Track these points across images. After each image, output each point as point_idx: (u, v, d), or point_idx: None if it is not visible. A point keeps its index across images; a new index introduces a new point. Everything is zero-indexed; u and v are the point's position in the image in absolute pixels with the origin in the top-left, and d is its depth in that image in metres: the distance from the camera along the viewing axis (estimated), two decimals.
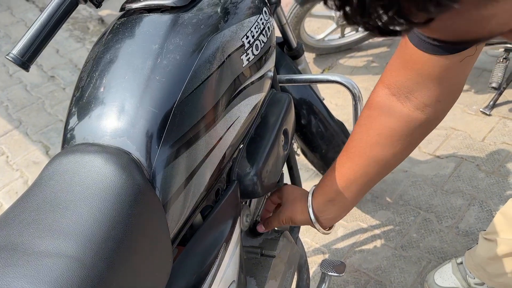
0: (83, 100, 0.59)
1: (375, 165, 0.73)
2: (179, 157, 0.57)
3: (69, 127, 0.59)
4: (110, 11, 2.95)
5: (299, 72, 1.21)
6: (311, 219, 0.80)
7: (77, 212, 0.47)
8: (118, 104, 0.56)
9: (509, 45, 1.75)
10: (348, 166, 0.74)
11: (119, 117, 0.55)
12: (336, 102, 2.03)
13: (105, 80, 0.59)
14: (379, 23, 0.28)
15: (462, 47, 0.57)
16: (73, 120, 0.58)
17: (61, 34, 2.80)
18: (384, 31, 0.29)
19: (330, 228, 0.85)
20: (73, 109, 0.59)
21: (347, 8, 0.28)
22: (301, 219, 0.81)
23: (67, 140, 0.58)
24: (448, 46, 0.58)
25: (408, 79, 0.65)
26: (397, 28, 0.28)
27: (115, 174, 0.50)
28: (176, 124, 0.57)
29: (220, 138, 0.64)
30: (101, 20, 2.95)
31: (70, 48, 2.72)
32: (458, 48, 0.58)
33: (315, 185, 0.82)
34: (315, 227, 0.81)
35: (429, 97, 0.66)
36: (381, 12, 0.26)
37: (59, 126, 2.19)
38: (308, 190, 0.84)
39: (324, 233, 0.84)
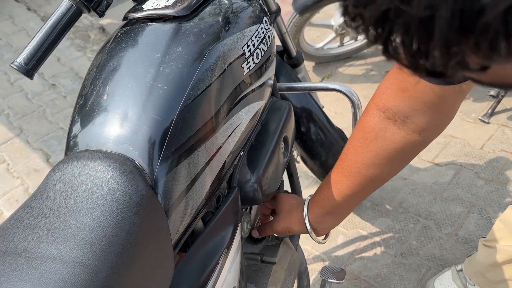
0: (86, 108, 0.60)
1: (371, 182, 0.74)
2: (181, 164, 0.58)
3: (72, 134, 0.59)
4: (111, 20, 2.97)
5: (299, 80, 1.22)
6: (307, 230, 0.81)
7: (80, 218, 0.47)
8: (121, 111, 0.57)
9: None
10: (345, 183, 0.75)
11: (122, 124, 0.56)
12: (336, 110, 2.04)
13: (108, 88, 0.60)
14: (429, 65, 0.27)
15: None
16: (77, 127, 0.59)
17: (63, 43, 2.82)
18: (432, 73, 0.29)
19: (326, 236, 0.87)
20: (77, 117, 0.60)
21: (402, 50, 0.27)
22: (299, 229, 0.83)
23: (71, 147, 0.59)
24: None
25: (406, 105, 0.65)
26: (448, 73, 0.28)
27: (118, 180, 0.51)
28: (178, 131, 0.57)
29: (221, 145, 0.65)
30: (102, 29, 2.97)
31: (71, 57, 2.74)
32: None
33: (310, 195, 0.83)
34: (311, 236, 0.83)
35: (427, 123, 0.66)
36: (441, 58, 0.26)
37: (60, 134, 2.20)
38: (303, 198, 0.85)
39: (319, 242, 0.86)
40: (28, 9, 3.29)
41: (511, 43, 0.24)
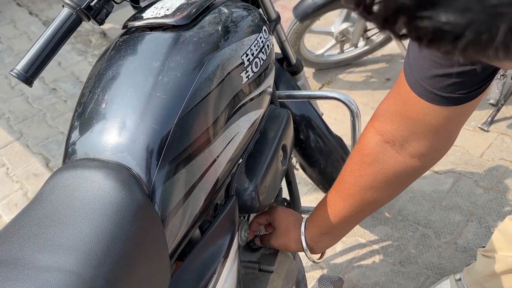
0: (85, 116, 0.60)
1: (369, 205, 0.73)
2: (179, 173, 0.58)
3: (70, 142, 0.60)
4: (112, 25, 2.98)
5: (298, 88, 1.22)
6: (303, 249, 0.81)
7: (77, 227, 0.47)
8: (119, 120, 0.57)
9: None
10: (342, 206, 0.74)
11: (120, 133, 0.56)
12: (335, 117, 2.04)
13: (107, 96, 0.60)
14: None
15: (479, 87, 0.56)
16: (75, 135, 0.59)
17: (64, 47, 2.80)
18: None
19: (321, 256, 0.87)
20: (75, 125, 0.60)
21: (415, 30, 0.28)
22: (296, 247, 0.82)
23: (69, 155, 0.59)
24: (459, 98, 0.57)
25: (406, 128, 0.63)
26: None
27: (115, 189, 0.51)
28: (176, 140, 0.58)
29: (219, 154, 0.65)
30: (103, 34, 2.98)
31: (72, 61, 2.74)
32: (467, 97, 0.57)
33: (308, 215, 0.83)
34: (307, 255, 0.82)
35: (427, 147, 0.64)
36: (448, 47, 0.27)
37: (60, 138, 2.20)
38: (299, 215, 0.85)
39: (314, 262, 0.85)
40: (30, 13, 3.30)
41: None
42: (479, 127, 1.86)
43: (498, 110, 1.86)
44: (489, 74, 0.55)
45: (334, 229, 0.77)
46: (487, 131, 1.84)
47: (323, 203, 0.78)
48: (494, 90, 1.80)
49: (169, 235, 0.57)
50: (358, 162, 0.71)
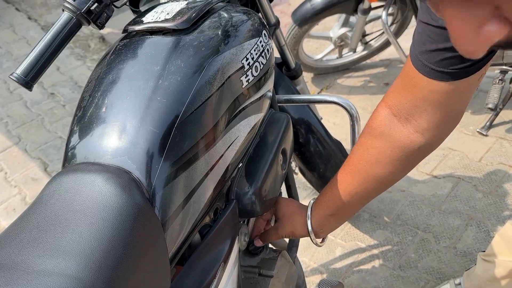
0: (84, 120, 0.60)
1: (375, 182, 0.75)
2: (179, 177, 0.58)
3: (70, 145, 0.59)
4: (111, 30, 2.98)
5: (298, 92, 1.22)
6: (308, 231, 0.83)
7: (77, 231, 0.47)
8: (120, 124, 0.57)
9: (505, 67, 1.78)
10: (349, 181, 0.76)
11: (120, 136, 0.56)
12: (334, 121, 2.04)
13: (107, 100, 0.60)
14: None
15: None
16: (75, 139, 0.59)
17: (63, 52, 2.81)
18: None
19: (322, 240, 0.89)
20: (75, 128, 0.60)
21: None
22: (302, 231, 0.84)
23: (68, 158, 0.59)
24: (450, 73, 0.60)
25: (408, 101, 0.67)
26: None
27: (115, 193, 0.50)
28: (176, 144, 0.57)
29: (219, 158, 0.65)
30: (102, 39, 2.98)
31: (71, 66, 2.75)
32: (459, 73, 0.60)
33: (313, 199, 0.84)
34: (311, 238, 0.84)
35: (428, 122, 0.67)
36: None
37: (58, 143, 2.20)
38: (302, 203, 0.87)
39: (317, 245, 0.88)
40: (29, 18, 3.30)
41: None
42: (477, 131, 1.86)
43: (496, 115, 1.86)
44: None
45: (341, 209, 0.79)
46: (486, 135, 1.85)
47: (330, 184, 0.80)
48: (493, 94, 1.81)
49: (169, 239, 0.57)
50: (367, 135, 0.74)
